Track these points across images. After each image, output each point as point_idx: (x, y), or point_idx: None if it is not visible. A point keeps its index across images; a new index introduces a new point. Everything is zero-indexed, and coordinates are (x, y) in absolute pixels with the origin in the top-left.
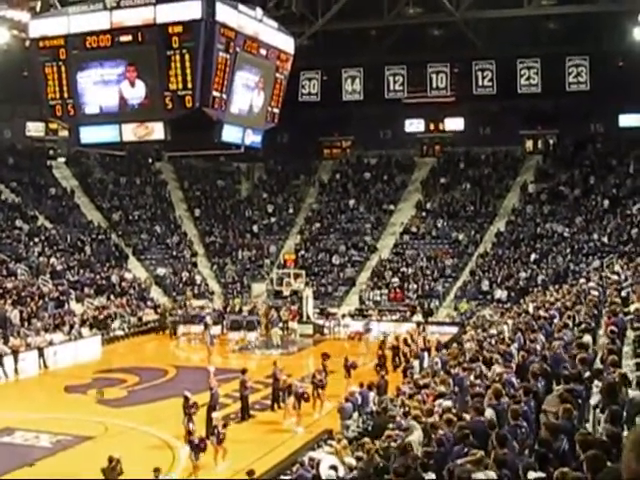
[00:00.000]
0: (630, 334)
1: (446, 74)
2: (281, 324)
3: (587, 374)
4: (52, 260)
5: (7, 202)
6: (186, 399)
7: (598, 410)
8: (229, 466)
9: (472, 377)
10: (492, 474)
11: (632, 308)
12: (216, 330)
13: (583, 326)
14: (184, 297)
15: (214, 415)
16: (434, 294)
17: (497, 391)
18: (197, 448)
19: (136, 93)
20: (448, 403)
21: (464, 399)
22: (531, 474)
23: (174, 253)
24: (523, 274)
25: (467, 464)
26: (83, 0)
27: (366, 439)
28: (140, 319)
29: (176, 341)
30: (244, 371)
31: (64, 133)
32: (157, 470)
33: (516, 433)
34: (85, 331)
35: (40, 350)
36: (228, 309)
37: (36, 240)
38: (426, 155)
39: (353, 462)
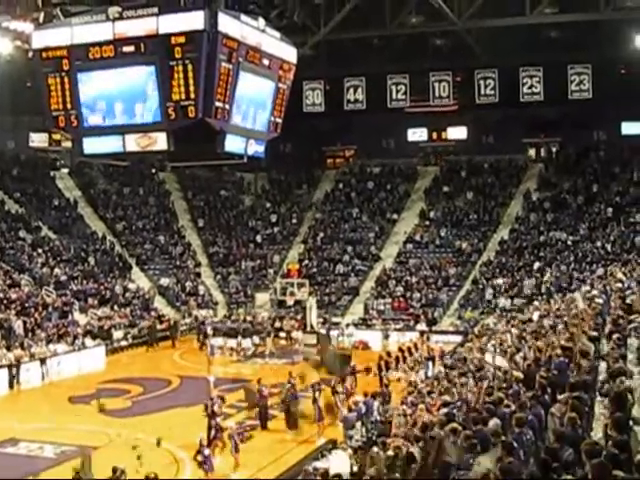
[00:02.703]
0: (634, 342)
1: (448, 83)
2: (284, 334)
3: (592, 382)
4: (56, 270)
5: (11, 213)
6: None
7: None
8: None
9: (474, 384)
10: None
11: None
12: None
13: (588, 334)
14: (188, 307)
15: (228, 425)
16: (438, 303)
17: (497, 400)
18: (204, 461)
19: (139, 103)
20: (453, 412)
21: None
22: None
23: (178, 263)
24: (527, 282)
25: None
26: (86, 11)
27: (374, 449)
28: (148, 328)
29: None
30: (259, 380)
31: (67, 144)
32: (116, 471)
33: (521, 441)
34: (89, 341)
35: (42, 361)
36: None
37: (40, 251)
38: (429, 164)
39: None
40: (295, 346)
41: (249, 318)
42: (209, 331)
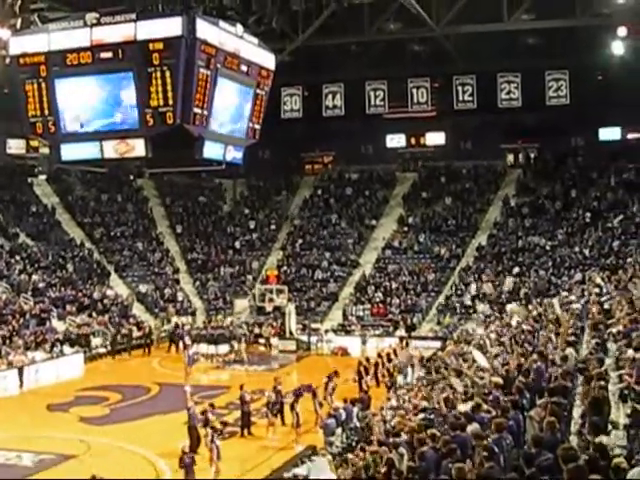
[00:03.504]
0: (612, 347)
1: (427, 89)
2: (263, 340)
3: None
4: (33, 277)
5: None
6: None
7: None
8: None
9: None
10: None
11: (620, 327)
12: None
13: (566, 339)
14: (166, 314)
15: (209, 430)
16: (417, 309)
17: (476, 405)
18: (188, 467)
19: (116, 110)
20: (431, 417)
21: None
22: None
23: (156, 270)
24: (505, 288)
25: None
26: (63, 17)
27: (350, 455)
28: (123, 336)
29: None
30: (242, 386)
31: (45, 150)
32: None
33: (501, 446)
34: (67, 349)
35: (20, 368)
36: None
37: (17, 257)
38: (407, 170)
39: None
40: (273, 352)
41: (226, 324)
42: (187, 340)
